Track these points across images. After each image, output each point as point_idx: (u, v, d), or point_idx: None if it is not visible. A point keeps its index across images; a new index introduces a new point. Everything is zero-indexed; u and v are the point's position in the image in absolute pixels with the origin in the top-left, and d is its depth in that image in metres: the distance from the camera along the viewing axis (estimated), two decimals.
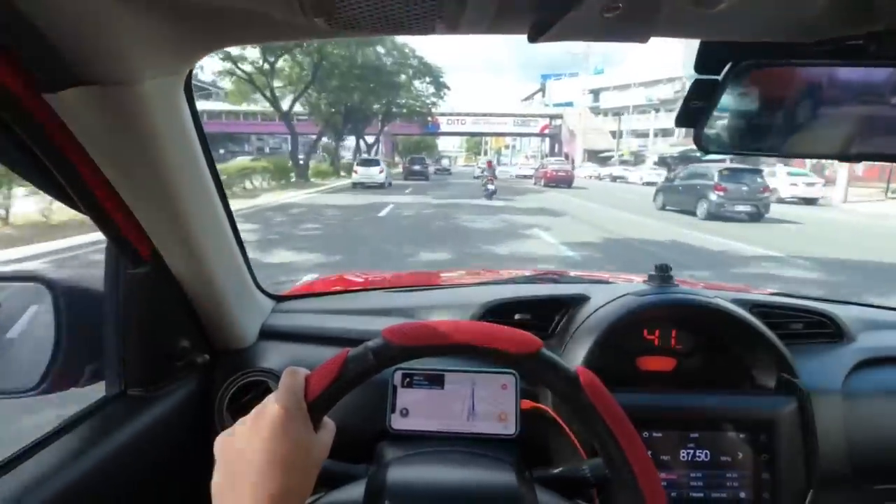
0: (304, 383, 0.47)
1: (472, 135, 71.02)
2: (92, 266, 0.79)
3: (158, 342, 0.73)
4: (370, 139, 34.13)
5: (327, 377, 0.47)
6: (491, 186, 15.87)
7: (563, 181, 24.13)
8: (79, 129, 0.49)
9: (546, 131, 60.28)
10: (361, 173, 20.10)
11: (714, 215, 11.21)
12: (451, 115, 54.76)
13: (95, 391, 0.72)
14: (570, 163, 31.47)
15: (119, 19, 0.40)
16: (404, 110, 30.54)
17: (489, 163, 20.02)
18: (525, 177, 36.08)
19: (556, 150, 60.11)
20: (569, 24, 0.34)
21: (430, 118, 40.85)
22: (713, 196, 11.27)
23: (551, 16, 0.34)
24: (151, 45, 0.45)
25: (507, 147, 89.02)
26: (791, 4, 0.43)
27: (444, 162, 56.37)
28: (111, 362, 0.71)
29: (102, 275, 0.71)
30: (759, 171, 11.70)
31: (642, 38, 0.40)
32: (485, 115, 58.82)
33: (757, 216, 11.33)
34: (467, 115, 57.81)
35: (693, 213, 11.87)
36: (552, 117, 59.13)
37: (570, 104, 60.48)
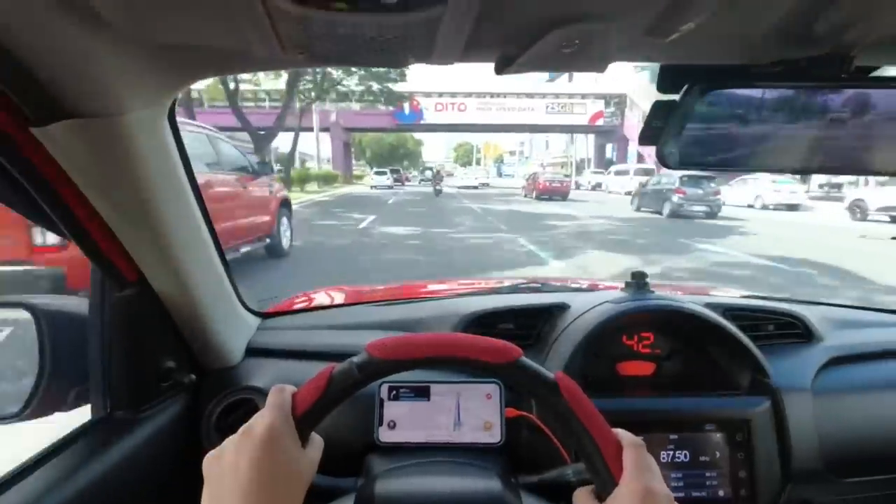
0: (290, 400, 0.48)
1: (477, 130, 44.03)
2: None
3: (144, 363, 0.73)
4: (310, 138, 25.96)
5: (314, 393, 0.49)
6: (439, 187, 24.43)
7: (557, 193, 21.70)
8: (65, 160, 0.50)
9: (599, 122, 35.64)
10: (375, 180, 31.48)
11: (675, 213, 13.65)
12: (443, 96, 34.89)
13: (82, 415, 0.73)
14: (653, 171, 20.37)
15: (104, 55, 0.42)
16: (353, 87, 21.59)
17: (437, 171, 27.63)
18: (471, 187, 33.19)
19: (615, 154, 38.05)
20: (531, 58, 0.37)
21: (402, 101, 28.63)
22: (675, 198, 13.72)
23: (515, 50, 0.37)
24: (135, 79, 0.47)
25: (512, 153, 75.13)
26: (738, 30, 0.46)
27: (428, 174, 47.79)
28: (96, 385, 0.71)
29: (86, 299, 0.71)
30: (712, 178, 13.85)
31: (600, 68, 0.43)
32: (498, 95, 35.51)
33: (711, 214, 13.73)
34: (469, 95, 35.28)
35: (660, 213, 14.24)
36: (610, 99, 35.24)
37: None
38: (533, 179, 23.67)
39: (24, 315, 0.68)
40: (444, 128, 41.47)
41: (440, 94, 35.98)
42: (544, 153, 58.40)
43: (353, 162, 50.40)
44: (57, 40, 0.39)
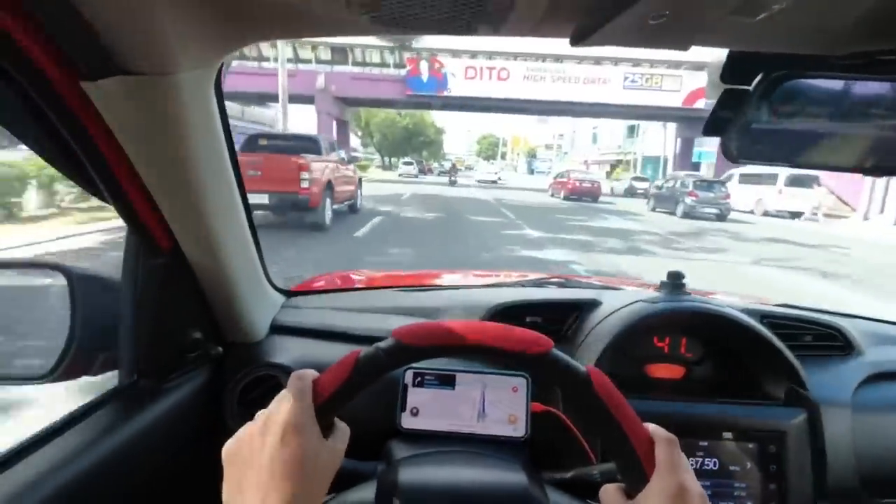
0: (311, 387, 0.46)
1: (521, 110, 30.23)
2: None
3: (172, 333, 0.73)
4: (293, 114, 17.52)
5: (337, 380, 0.47)
6: (454, 178, 28.29)
7: (587, 194, 19.96)
8: (112, 118, 0.49)
9: (699, 104, 24.00)
10: (402, 169, 36.14)
11: (688, 215, 14.83)
12: (476, 56, 24.71)
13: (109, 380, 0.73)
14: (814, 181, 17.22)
15: (161, 10, 0.40)
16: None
17: (453, 165, 31.49)
18: (489, 182, 32.08)
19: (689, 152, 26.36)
20: (612, 30, 0.34)
21: (419, 61, 20.68)
22: (688, 200, 14.93)
23: (596, 21, 0.34)
24: (190, 36, 0.45)
25: (548, 147, 62.52)
26: (824, 16, 0.43)
27: (446, 165, 46.02)
28: (125, 352, 0.71)
29: (118, 264, 0.71)
30: (723, 183, 15.10)
31: (684, 45, 0.40)
32: (555, 58, 24.32)
33: (721, 217, 14.78)
34: (514, 57, 24.91)
35: (673, 213, 15.50)
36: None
37: None
38: (562, 179, 21.38)
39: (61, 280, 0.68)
40: (476, 104, 25.75)
41: (473, 55, 24.66)
42: (590, 148, 44.27)
43: (357, 149, 42.98)
44: None
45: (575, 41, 0.38)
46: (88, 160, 0.52)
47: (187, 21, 0.43)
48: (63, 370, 0.68)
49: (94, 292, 0.69)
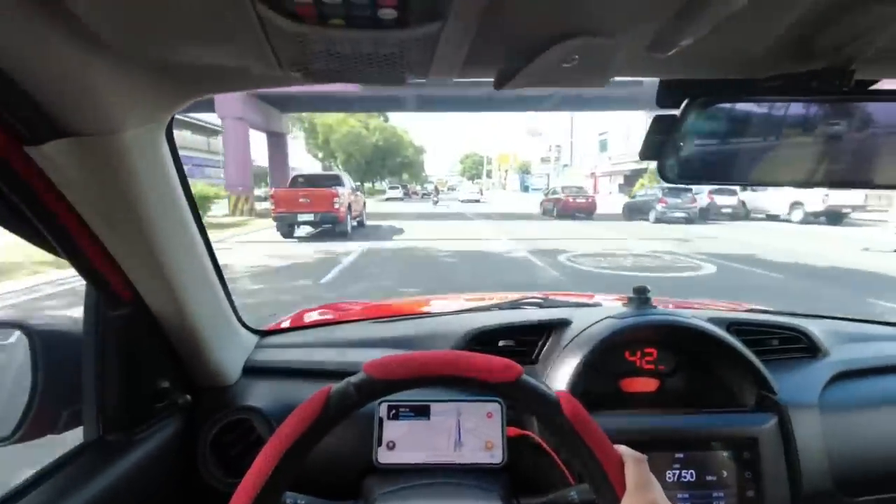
0: None
1: (518, 104, 23.44)
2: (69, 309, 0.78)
3: (138, 384, 0.72)
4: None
5: (310, 415, 0.48)
6: (436, 199, 30.24)
7: (582, 210, 19.03)
8: (60, 178, 0.49)
9: None
10: (389, 193, 39.37)
11: (659, 220, 16.45)
12: None
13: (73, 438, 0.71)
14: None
15: (100, 74, 0.41)
16: None
17: (435, 186, 35.02)
18: (472, 201, 31.90)
19: None
20: (531, 74, 0.37)
21: None
22: (659, 207, 16.59)
23: (515, 65, 0.37)
24: (132, 97, 0.47)
25: (545, 160, 53.18)
26: (739, 45, 0.46)
27: (429, 187, 45.49)
28: (89, 406, 0.69)
29: (80, 318, 0.70)
30: (689, 190, 16.40)
31: (600, 83, 0.43)
32: None
33: (689, 220, 16.36)
34: None
35: (647, 219, 17.08)
36: None
37: None
38: (554, 196, 20.34)
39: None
40: (456, 101, 21.86)
41: None
42: (598, 158, 38.60)
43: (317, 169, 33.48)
44: (52, 60, 0.39)
45: (498, 84, 0.40)
46: (39, 220, 0.52)
47: (128, 84, 0.45)
48: (26, 430, 0.66)
49: (56, 347, 0.68)
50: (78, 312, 0.71)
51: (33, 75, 0.40)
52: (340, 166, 34.50)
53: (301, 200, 10.81)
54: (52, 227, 0.53)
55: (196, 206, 0.70)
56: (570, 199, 19.42)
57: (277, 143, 22.80)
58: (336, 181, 12.11)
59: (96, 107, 0.44)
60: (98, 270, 0.61)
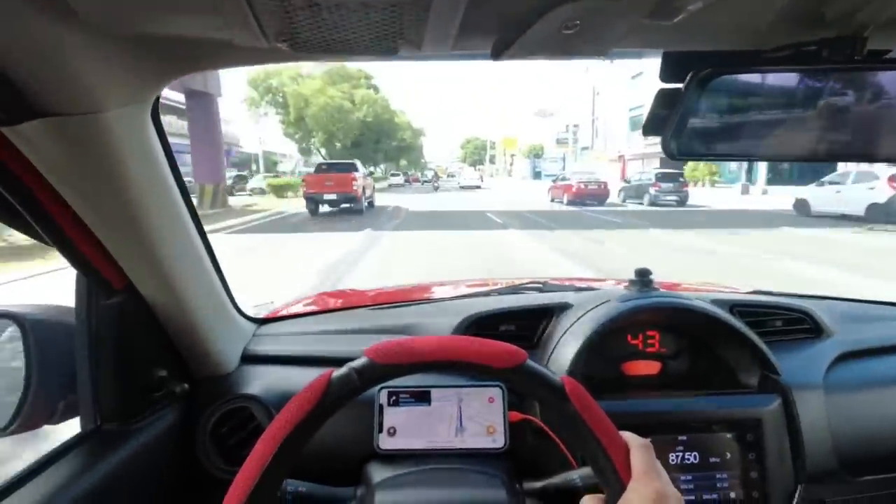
0: None
1: None
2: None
3: (134, 373, 0.71)
4: None
5: (310, 400, 0.47)
6: (436, 185, 30.86)
7: (593, 196, 18.01)
8: (41, 161, 0.47)
9: None
10: (391, 180, 39.27)
11: (653, 202, 17.37)
12: None
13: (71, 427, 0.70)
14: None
15: (78, 50, 0.39)
16: None
17: (435, 173, 33.87)
18: (473, 187, 30.74)
19: None
20: (529, 42, 0.35)
21: None
22: (652, 190, 17.51)
23: (512, 34, 0.35)
24: (114, 74, 0.45)
25: (561, 143, 46.80)
26: (746, 14, 0.44)
27: (429, 174, 45.05)
28: (85, 397, 0.69)
29: (73, 307, 0.69)
30: (681, 174, 17.71)
31: (602, 53, 0.41)
32: None
33: (681, 202, 17.34)
34: None
35: (641, 202, 18.01)
36: None
37: None
38: (564, 182, 19.47)
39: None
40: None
41: None
42: (627, 138, 32.93)
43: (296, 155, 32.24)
44: (27, 35, 0.37)
45: (495, 55, 0.38)
46: (21, 204, 0.50)
47: (108, 60, 0.43)
48: (21, 421, 0.65)
49: (49, 337, 0.67)
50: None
51: (6, 52, 0.38)
52: (321, 149, 28.50)
53: (326, 183, 13.67)
54: (35, 211, 0.52)
55: (187, 191, 0.68)
56: (583, 186, 18.29)
57: (203, 108, 16.14)
58: (353, 167, 14.83)
59: (75, 85, 0.42)
60: (87, 258, 0.60)
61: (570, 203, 18.33)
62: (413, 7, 0.31)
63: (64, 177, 0.50)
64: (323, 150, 29.50)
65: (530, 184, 38.62)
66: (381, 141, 32.64)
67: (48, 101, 0.42)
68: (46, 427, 0.69)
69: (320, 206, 13.86)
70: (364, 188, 14.69)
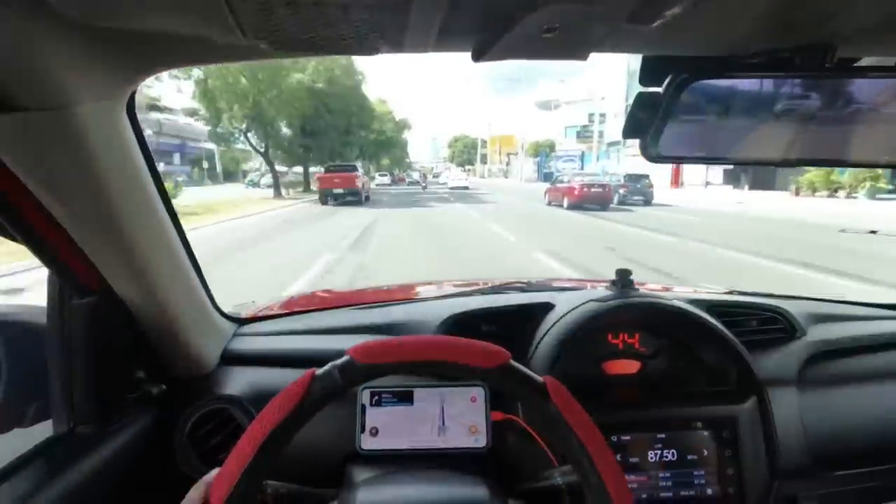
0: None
1: None
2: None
3: (109, 374, 0.69)
4: None
5: (292, 399, 0.47)
6: (424, 184, 31.73)
7: (595, 200, 16.09)
8: (10, 157, 0.46)
9: None
10: (378, 179, 40.33)
11: (622, 203, 17.64)
12: None
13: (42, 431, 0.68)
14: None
15: (47, 42, 0.38)
16: None
17: (423, 174, 35.36)
18: (461, 188, 28.42)
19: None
20: (509, 44, 0.35)
21: None
22: (621, 191, 17.95)
23: (492, 36, 0.35)
24: (87, 69, 0.44)
25: (584, 135, 40.89)
26: (722, 20, 0.45)
27: (415, 175, 44.99)
28: (57, 399, 0.67)
29: (44, 308, 0.67)
30: (646, 175, 18.45)
31: (582, 55, 0.41)
32: None
33: (646, 202, 17.95)
34: None
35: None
36: None
37: None
38: (563, 185, 17.53)
39: None
40: None
41: None
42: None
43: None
44: None
45: (476, 56, 0.39)
46: None
47: (79, 56, 0.42)
48: None
49: (20, 338, 0.66)
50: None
51: None
52: (245, 132, 18.95)
53: (335, 180, 17.12)
54: (5, 209, 0.50)
55: (164, 189, 0.67)
56: (586, 189, 16.25)
57: None
58: (355, 168, 18.46)
59: (46, 79, 0.41)
60: (59, 257, 0.58)
61: (570, 207, 16.34)
62: (393, 8, 0.31)
63: (35, 173, 0.49)
64: (252, 137, 19.65)
65: (532, 189, 29.69)
66: (353, 132, 24.45)
67: (17, 95, 0.41)
68: (17, 430, 0.67)
69: (329, 199, 17.14)
70: (363, 184, 18.55)
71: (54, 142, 0.46)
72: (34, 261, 0.59)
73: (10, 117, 0.42)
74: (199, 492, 0.47)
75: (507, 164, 59.09)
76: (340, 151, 23.98)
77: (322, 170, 18.72)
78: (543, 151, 45.67)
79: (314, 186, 21.50)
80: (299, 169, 25.29)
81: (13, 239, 0.54)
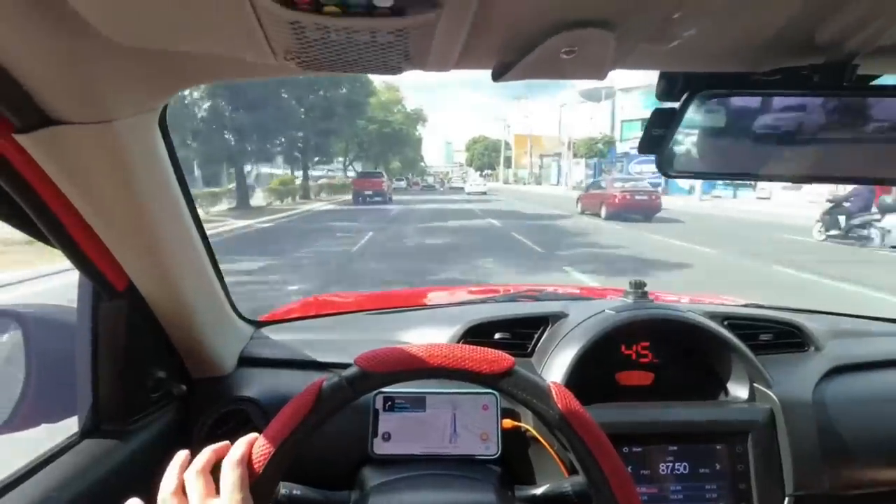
0: (244, 476, 0.47)
1: None
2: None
3: (134, 374, 0.72)
4: None
5: (302, 409, 0.48)
6: (441, 187, 35.97)
7: (640, 210, 13.94)
8: (51, 167, 0.48)
9: None
10: (395, 184, 39.79)
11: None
12: None
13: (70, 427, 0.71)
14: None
15: (90, 61, 0.41)
16: None
17: (441, 178, 36.89)
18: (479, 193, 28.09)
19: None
20: (529, 65, 0.36)
21: None
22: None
23: (513, 56, 0.36)
24: (123, 85, 0.46)
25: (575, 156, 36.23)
26: (740, 38, 0.46)
27: (430, 180, 45.63)
28: (85, 396, 0.69)
29: (74, 308, 0.69)
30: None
31: (600, 75, 0.42)
32: None
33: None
34: None
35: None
36: None
37: None
38: (599, 191, 15.88)
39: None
40: None
41: None
42: None
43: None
44: (40, 46, 0.38)
45: (496, 76, 0.40)
46: (30, 208, 0.51)
47: (118, 71, 0.44)
48: (20, 419, 0.66)
49: (50, 337, 0.68)
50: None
51: (23, 63, 0.39)
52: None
53: (366, 185, 22.68)
54: (44, 216, 0.53)
55: (191, 196, 0.69)
56: (628, 196, 14.07)
57: None
58: (381, 175, 24.08)
59: (87, 95, 0.43)
60: (91, 260, 0.61)
61: (608, 217, 14.33)
62: (419, 32, 0.32)
63: (73, 182, 0.51)
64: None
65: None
66: (338, 117, 18.40)
67: (60, 110, 0.43)
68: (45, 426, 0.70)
69: (361, 198, 21.96)
70: (387, 188, 23.77)
71: (94, 153, 0.49)
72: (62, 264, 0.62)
73: (55, 130, 0.44)
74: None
75: (540, 167, 49.87)
76: (317, 144, 18.02)
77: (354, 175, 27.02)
78: (606, 149, 35.38)
79: (311, 194, 24.70)
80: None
81: (49, 244, 0.57)
